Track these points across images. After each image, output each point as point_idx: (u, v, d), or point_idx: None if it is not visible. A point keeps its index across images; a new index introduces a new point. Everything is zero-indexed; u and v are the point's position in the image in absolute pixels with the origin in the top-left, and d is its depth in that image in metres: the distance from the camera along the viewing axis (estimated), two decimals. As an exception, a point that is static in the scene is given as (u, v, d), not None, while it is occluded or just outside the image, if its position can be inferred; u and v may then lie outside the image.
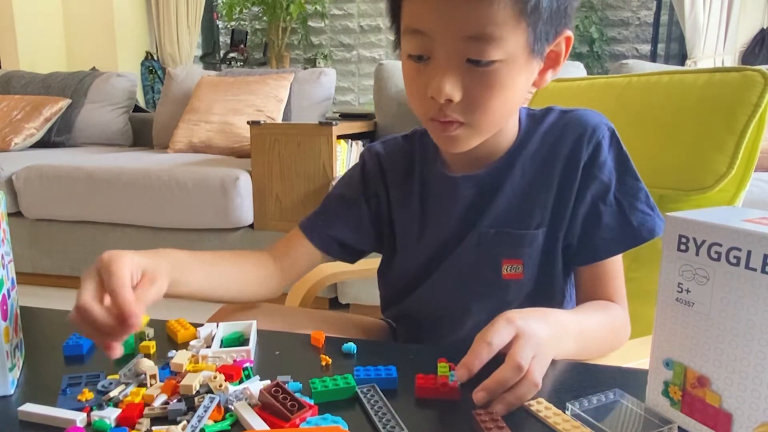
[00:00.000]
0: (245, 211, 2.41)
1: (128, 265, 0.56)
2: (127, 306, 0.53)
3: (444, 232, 0.78)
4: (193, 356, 0.60)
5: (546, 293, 0.76)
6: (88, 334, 0.55)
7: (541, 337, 0.56)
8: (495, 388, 0.52)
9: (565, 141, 0.73)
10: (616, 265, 0.75)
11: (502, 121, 0.70)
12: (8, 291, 0.58)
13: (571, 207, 0.73)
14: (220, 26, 5.06)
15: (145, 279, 0.58)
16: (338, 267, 1.11)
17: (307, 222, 0.84)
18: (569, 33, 0.67)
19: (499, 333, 0.54)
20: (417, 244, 0.81)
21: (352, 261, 0.86)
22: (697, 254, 0.47)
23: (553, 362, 0.61)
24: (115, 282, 0.54)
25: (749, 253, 0.43)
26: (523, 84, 0.66)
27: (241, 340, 0.68)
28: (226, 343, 0.66)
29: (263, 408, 0.51)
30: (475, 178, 0.76)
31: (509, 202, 0.74)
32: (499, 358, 0.54)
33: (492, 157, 0.75)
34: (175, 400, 0.52)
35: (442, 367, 0.57)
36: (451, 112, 0.65)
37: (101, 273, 0.55)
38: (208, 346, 0.63)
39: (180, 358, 0.59)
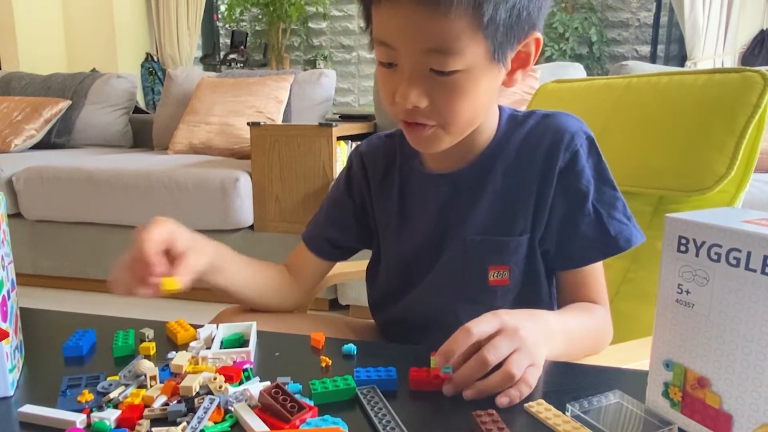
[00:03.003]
0: (245, 213, 2.41)
1: (166, 231, 0.67)
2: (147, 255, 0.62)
3: (422, 229, 0.79)
4: (192, 357, 0.60)
5: (533, 297, 0.76)
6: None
7: (525, 330, 0.57)
8: (482, 389, 0.54)
9: (543, 146, 0.73)
10: (596, 269, 0.76)
11: (473, 123, 0.71)
12: (8, 292, 0.58)
13: (547, 213, 0.73)
14: (220, 27, 5.06)
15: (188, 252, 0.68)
16: (338, 268, 1.11)
17: (305, 232, 0.89)
18: (538, 35, 0.68)
19: (480, 323, 0.56)
20: (396, 241, 0.82)
21: (344, 258, 0.90)
22: (696, 255, 0.47)
23: (552, 363, 0.61)
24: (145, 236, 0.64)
25: (749, 254, 0.43)
26: (487, 88, 0.68)
27: (241, 342, 0.68)
28: (226, 344, 0.66)
29: (263, 409, 0.51)
30: (450, 176, 0.77)
31: (493, 207, 0.75)
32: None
33: (468, 155, 0.76)
34: (174, 402, 0.52)
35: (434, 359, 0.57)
36: (419, 116, 0.67)
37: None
38: (208, 348, 0.63)
39: (180, 359, 0.59)
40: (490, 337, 0.56)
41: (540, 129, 0.75)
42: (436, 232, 0.78)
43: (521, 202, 0.74)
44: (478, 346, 0.56)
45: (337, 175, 2.30)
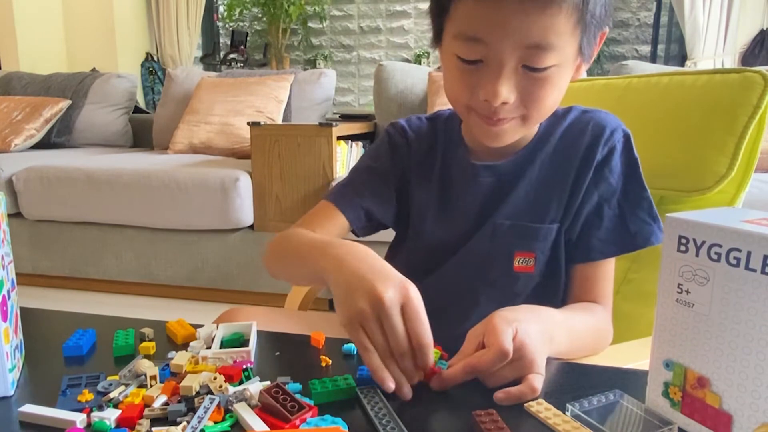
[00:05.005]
0: (245, 212, 2.41)
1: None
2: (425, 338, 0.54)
3: (462, 218, 0.79)
4: (192, 357, 0.60)
5: (551, 288, 0.77)
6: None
7: (530, 339, 0.56)
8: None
9: (583, 140, 0.75)
10: (608, 268, 0.76)
11: (548, 116, 0.73)
12: (8, 292, 0.58)
13: (578, 204, 0.75)
14: (220, 27, 5.06)
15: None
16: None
17: (336, 195, 0.83)
18: (606, 29, 0.70)
19: (507, 342, 0.54)
20: (433, 226, 0.81)
21: (369, 234, 0.84)
22: (697, 255, 0.47)
23: (552, 363, 0.61)
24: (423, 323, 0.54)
25: (749, 253, 0.43)
26: (567, 81, 0.69)
27: (240, 341, 0.67)
28: (226, 344, 0.66)
29: (263, 409, 0.51)
30: (495, 168, 0.77)
31: (526, 195, 0.76)
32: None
33: (514, 148, 0.77)
34: (175, 401, 0.52)
35: (434, 353, 0.57)
36: (503, 112, 0.67)
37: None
38: (208, 347, 0.63)
39: (180, 359, 0.59)
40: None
41: (581, 123, 0.77)
42: (473, 220, 0.78)
43: (556, 191, 0.75)
44: (475, 366, 0.55)
45: (338, 175, 2.32)
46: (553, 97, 0.68)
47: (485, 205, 0.78)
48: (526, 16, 0.61)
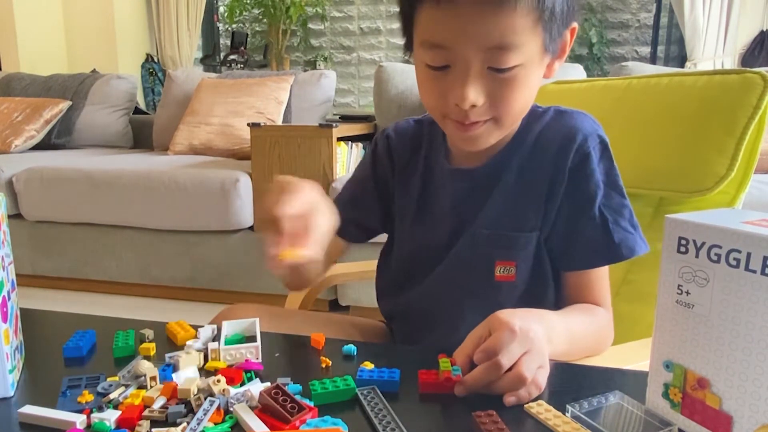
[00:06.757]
0: (245, 214, 2.41)
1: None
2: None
3: (438, 223, 0.79)
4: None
5: (538, 296, 0.76)
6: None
7: (535, 333, 0.57)
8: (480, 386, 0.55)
9: (555, 144, 0.73)
10: (600, 272, 0.75)
11: (521, 116, 0.73)
12: (8, 293, 0.58)
13: (555, 211, 0.73)
14: (220, 28, 5.06)
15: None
16: (339, 269, 1.11)
17: None
18: (575, 24, 0.69)
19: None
20: (412, 231, 0.82)
21: (368, 239, 0.89)
22: (696, 256, 0.47)
23: (552, 364, 0.61)
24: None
25: (749, 254, 0.43)
26: (536, 80, 0.69)
27: (242, 341, 0.67)
28: (228, 343, 0.66)
29: (263, 410, 0.51)
30: (469, 173, 0.77)
31: (504, 202, 0.75)
32: None
33: (491, 151, 0.76)
34: (174, 404, 0.52)
35: (444, 362, 0.57)
36: (474, 115, 0.67)
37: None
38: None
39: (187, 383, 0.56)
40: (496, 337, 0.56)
41: (554, 126, 0.75)
42: (451, 226, 0.78)
43: (533, 198, 0.74)
44: (486, 347, 0.55)
45: (338, 176, 2.32)
46: (523, 97, 0.68)
47: (461, 211, 0.77)
48: (484, 19, 0.61)
